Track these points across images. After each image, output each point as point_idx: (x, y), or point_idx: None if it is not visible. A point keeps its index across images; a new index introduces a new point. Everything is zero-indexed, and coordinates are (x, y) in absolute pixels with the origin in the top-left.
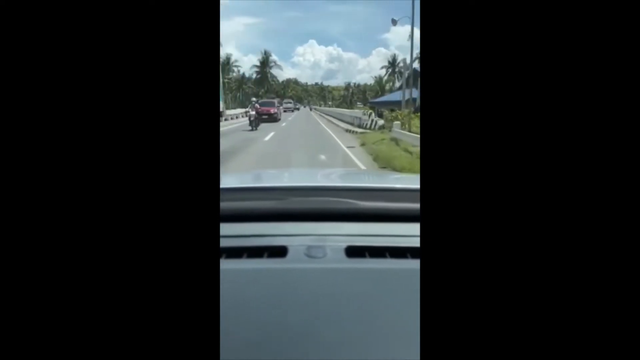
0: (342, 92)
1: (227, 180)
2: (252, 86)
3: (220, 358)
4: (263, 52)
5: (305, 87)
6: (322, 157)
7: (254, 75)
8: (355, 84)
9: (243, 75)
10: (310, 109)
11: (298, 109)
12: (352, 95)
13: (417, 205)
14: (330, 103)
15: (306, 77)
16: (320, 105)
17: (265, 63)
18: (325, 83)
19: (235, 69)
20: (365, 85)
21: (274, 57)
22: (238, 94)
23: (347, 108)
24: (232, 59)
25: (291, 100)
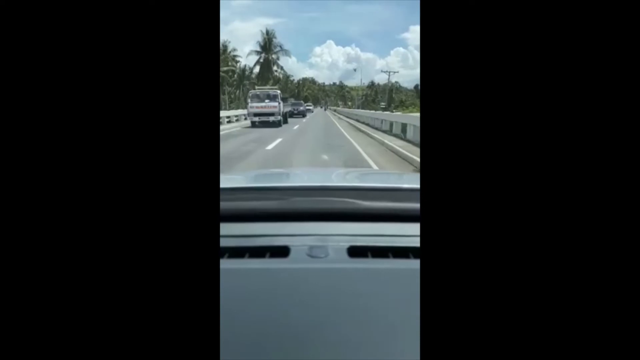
0: (360, 92)
1: (230, 180)
2: (255, 81)
3: (222, 358)
4: (265, 31)
5: (322, 87)
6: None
7: (256, 68)
8: (377, 83)
9: (245, 69)
10: (325, 109)
11: (302, 113)
12: (375, 95)
13: (419, 205)
14: (349, 103)
15: (324, 77)
16: (338, 106)
17: (267, 47)
18: (344, 83)
19: (240, 61)
20: (393, 84)
21: (278, 39)
22: (237, 92)
23: (370, 109)
24: (230, 47)
25: (279, 93)
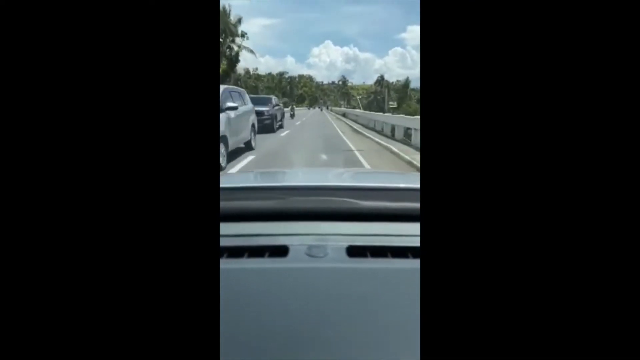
0: (361, 91)
1: (229, 179)
2: None
3: (221, 358)
4: None
5: (320, 86)
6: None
7: None
8: (385, 80)
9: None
10: (322, 110)
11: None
12: (387, 92)
13: (418, 205)
14: (353, 103)
15: (322, 77)
16: (340, 106)
17: None
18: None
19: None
20: (398, 81)
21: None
22: None
23: (378, 110)
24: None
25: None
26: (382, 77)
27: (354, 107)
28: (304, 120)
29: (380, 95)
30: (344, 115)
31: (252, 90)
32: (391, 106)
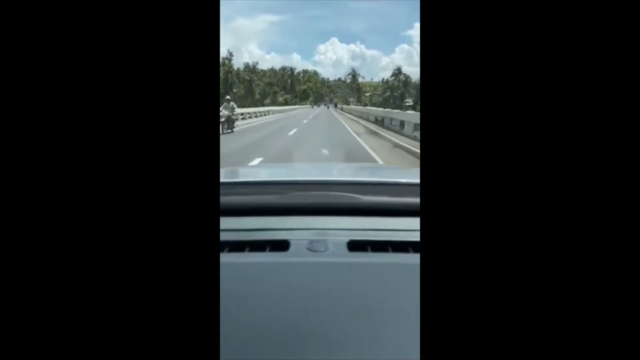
0: (368, 89)
1: (230, 174)
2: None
3: (222, 352)
4: None
5: (326, 82)
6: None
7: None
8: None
9: None
10: (327, 107)
11: None
12: (405, 87)
13: (418, 200)
14: (365, 101)
15: (328, 74)
16: (349, 104)
17: None
18: (350, 80)
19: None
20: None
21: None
22: None
23: (393, 108)
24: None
25: None
26: (399, 69)
27: (365, 105)
28: (292, 134)
29: (398, 91)
30: (381, 122)
31: (246, 84)
32: (407, 104)
